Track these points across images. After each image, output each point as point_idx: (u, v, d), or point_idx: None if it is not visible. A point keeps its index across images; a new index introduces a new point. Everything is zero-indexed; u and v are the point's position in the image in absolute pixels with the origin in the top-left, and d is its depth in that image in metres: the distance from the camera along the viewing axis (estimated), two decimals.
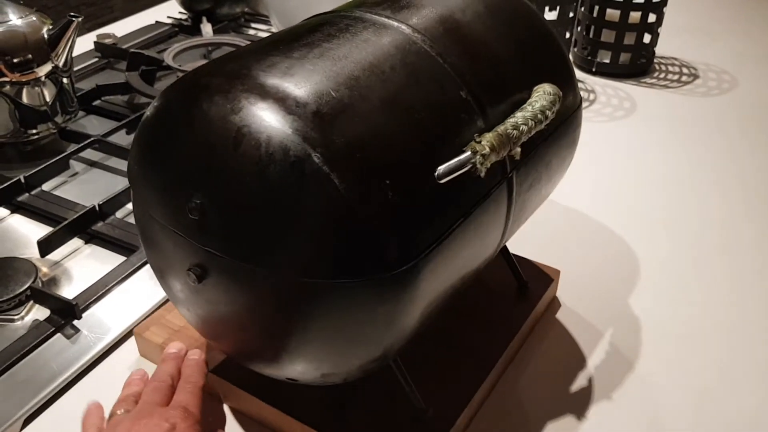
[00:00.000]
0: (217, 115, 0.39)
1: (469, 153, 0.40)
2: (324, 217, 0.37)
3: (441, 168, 0.40)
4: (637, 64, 1.04)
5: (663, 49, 1.11)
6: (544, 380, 0.56)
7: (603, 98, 0.99)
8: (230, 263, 0.40)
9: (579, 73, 1.06)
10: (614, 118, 0.94)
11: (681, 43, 1.15)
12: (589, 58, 1.05)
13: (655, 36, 1.03)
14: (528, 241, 0.67)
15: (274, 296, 0.40)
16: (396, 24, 0.46)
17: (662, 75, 1.06)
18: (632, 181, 0.81)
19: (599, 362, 0.58)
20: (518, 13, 0.52)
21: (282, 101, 0.38)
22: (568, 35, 0.98)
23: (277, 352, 0.43)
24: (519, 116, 0.42)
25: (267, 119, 0.38)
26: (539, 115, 0.43)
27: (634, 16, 0.99)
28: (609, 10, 1.00)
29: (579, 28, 1.05)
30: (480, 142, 0.40)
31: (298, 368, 0.44)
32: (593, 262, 0.69)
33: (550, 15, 0.94)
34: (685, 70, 1.07)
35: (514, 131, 0.41)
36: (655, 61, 1.09)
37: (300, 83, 0.39)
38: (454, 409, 0.50)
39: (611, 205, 0.77)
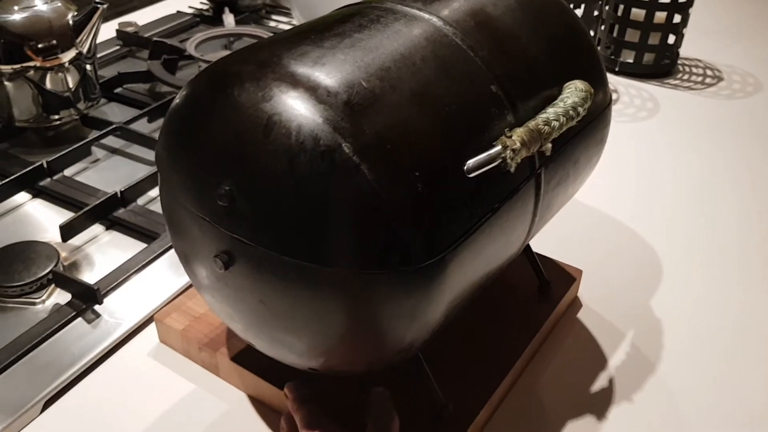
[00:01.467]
0: (248, 102, 0.39)
1: (499, 148, 0.39)
2: (352, 207, 0.37)
3: (471, 162, 0.39)
4: (660, 65, 1.03)
5: (687, 50, 1.10)
6: (564, 380, 0.56)
7: (626, 98, 0.98)
8: (257, 251, 0.40)
9: None
10: (637, 119, 0.93)
11: (705, 44, 1.14)
12: (613, 57, 1.04)
13: (680, 37, 1.02)
14: (550, 239, 0.67)
15: (300, 286, 0.40)
16: (427, 16, 0.45)
17: (686, 76, 1.05)
18: (654, 182, 0.81)
19: (620, 363, 0.57)
20: (549, 8, 0.51)
21: (313, 90, 0.38)
22: (592, 33, 0.98)
23: (299, 342, 0.43)
24: (551, 112, 0.42)
25: (298, 108, 0.37)
26: (571, 111, 0.42)
27: (660, 16, 0.98)
28: (634, 10, 0.99)
29: (603, 27, 1.04)
30: (511, 137, 0.40)
31: (321, 359, 0.44)
32: (614, 261, 0.68)
33: (577, 12, 0.94)
34: (708, 72, 1.06)
35: (546, 127, 0.41)
36: (678, 62, 1.08)
37: (331, 73, 0.39)
38: (474, 406, 0.50)
39: (632, 205, 0.76)
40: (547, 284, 0.60)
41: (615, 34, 1.03)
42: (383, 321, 0.40)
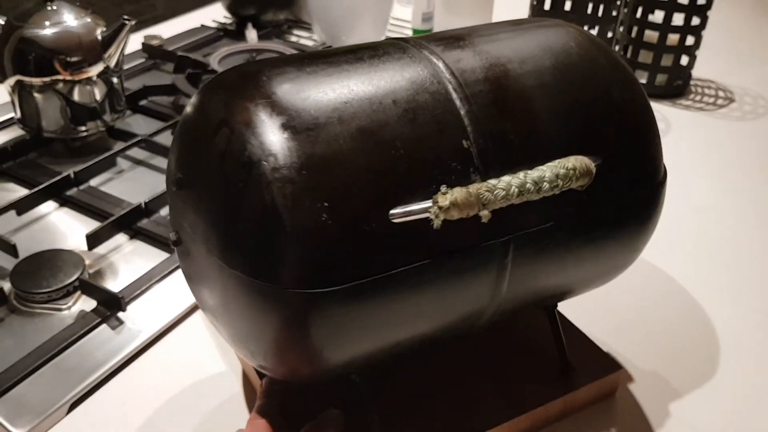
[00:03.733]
0: (216, 105, 0.43)
1: (429, 202, 0.39)
2: (256, 219, 0.39)
3: (398, 209, 0.39)
4: (673, 86, 1.05)
5: (700, 71, 1.12)
6: None
7: None
8: (194, 239, 0.44)
9: None
10: None
11: (718, 65, 1.16)
12: None
13: (692, 59, 1.04)
14: None
15: (216, 279, 0.43)
16: (434, 60, 0.45)
17: (698, 97, 1.06)
18: (671, 211, 0.82)
19: None
20: (597, 79, 0.47)
21: (264, 106, 0.40)
22: None
23: (233, 342, 0.47)
24: (506, 179, 0.40)
25: (242, 118, 0.40)
26: (529, 185, 0.40)
27: (672, 38, 1.00)
28: (647, 32, 1.01)
29: (617, 47, 1.06)
30: (445, 194, 0.39)
31: (255, 359, 0.46)
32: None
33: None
34: (720, 93, 1.08)
35: (487, 193, 0.40)
36: (691, 83, 1.09)
37: (289, 94, 0.41)
38: None
39: None
40: (569, 369, 0.56)
41: (629, 55, 1.04)
42: (280, 333, 0.41)
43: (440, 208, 0.39)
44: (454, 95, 0.44)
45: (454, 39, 0.48)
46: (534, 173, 0.41)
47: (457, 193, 0.39)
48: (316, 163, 0.39)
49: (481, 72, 0.45)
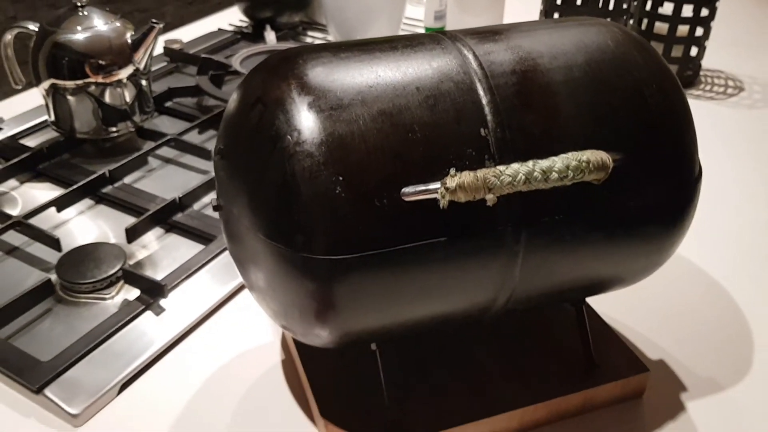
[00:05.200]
0: (254, 84, 0.46)
1: (438, 184, 0.41)
2: (277, 187, 0.43)
3: (408, 188, 0.42)
4: (683, 76, 1.07)
5: (710, 61, 1.14)
6: None
7: None
8: (230, 208, 0.48)
9: None
10: None
11: (727, 56, 1.18)
12: None
13: (702, 49, 1.06)
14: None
15: (247, 242, 0.46)
16: (465, 51, 0.47)
17: (708, 87, 1.09)
18: None
19: None
20: (628, 75, 0.48)
21: (294, 86, 0.44)
22: None
23: (259, 299, 0.50)
24: (515, 166, 0.42)
25: (274, 96, 0.44)
26: (537, 174, 0.42)
27: (682, 29, 1.02)
28: (657, 24, 1.03)
29: None
30: (453, 176, 0.41)
31: (277, 319, 0.49)
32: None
33: None
34: (730, 83, 1.10)
35: (494, 178, 0.41)
36: (701, 73, 1.12)
37: (319, 76, 0.45)
38: (418, 425, 0.52)
39: None
40: (593, 366, 0.56)
41: None
42: (295, 294, 0.45)
43: (447, 189, 0.41)
44: (479, 85, 0.46)
45: (490, 33, 0.50)
46: (544, 162, 0.42)
47: (465, 176, 0.41)
48: (335, 140, 0.42)
49: (510, 65, 0.47)
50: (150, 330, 0.62)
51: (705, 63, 1.13)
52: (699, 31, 1.04)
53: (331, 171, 0.42)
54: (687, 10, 1.01)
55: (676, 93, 0.49)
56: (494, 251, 0.46)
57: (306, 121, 0.43)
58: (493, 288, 0.48)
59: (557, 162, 0.42)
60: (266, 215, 0.44)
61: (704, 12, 1.02)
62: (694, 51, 1.07)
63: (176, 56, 1.13)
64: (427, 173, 0.43)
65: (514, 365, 0.57)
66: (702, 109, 1.02)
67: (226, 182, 0.47)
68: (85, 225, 0.77)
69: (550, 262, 0.48)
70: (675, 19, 1.01)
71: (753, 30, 1.31)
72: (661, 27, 1.03)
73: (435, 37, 0.49)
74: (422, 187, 0.42)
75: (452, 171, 0.42)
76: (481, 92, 0.46)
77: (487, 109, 0.45)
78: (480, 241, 0.45)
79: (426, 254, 0.44)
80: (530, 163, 0.42)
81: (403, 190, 0.43)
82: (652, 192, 0.48)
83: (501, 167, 0.42)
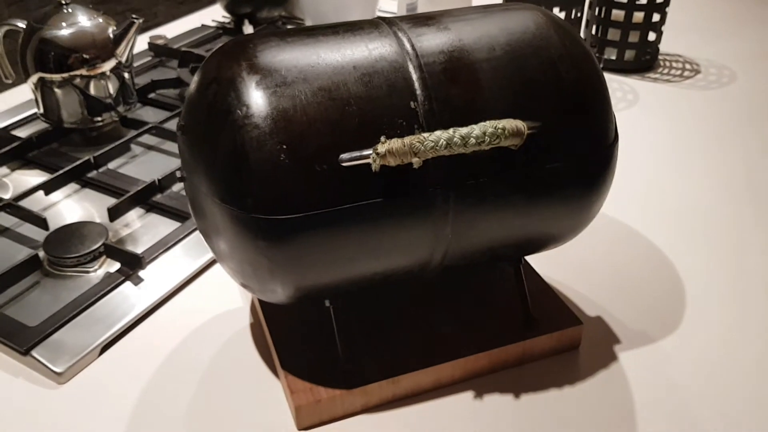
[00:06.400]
0: (210, 66, 0.52)
1: (371, 150, 0.47)
2: (229, 156, 0.48)
3: (345, 154, 0.48)
4: (641, 61, 1.12)
5: (669, 46, 1.20)
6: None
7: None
8: (191, 178, 0.53)
9: None
10: (617, 110, 1.03)
11: (687, 41, 1.24)
12: (597, 55, 1.14)
13: (659, 34, 1.12)
14: None
15: (207, 210, 0.52)
16: (401, 35, 0.53)
17: (666, 70, 1.14)
18: (637, 172, 0.90)
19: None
20: (544, 52, 0.53)
21: (244, 67, 0.49)
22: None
23: (220, 260, 0.55)
24: (437, 133, 0.47)
25: (227, 75, 0.50)
26: (457, 139, 0.47)
27: (638, 16, 1.08)
28: (614, 11, 1.09)
29: (590, 27, 1.14)
30: (383, 143, 0.47)
31: (236, 277, 0.55)
32: (596, 245, 0.78)
33: (560, 15, 1.04)
34: (687, 66, 1.15)
35: (418, 144, 0.47)
36: (660, 57, 1.17)
37: (267, 58, 0.50)
38: (373, 376, 0.57)
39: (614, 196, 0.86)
40: (531, 320, 0.62)
41: (599, 34, 1.12)
42: (247, 252, 0.50)
43: (378, 154, 0.47)
44: (410, 64, 0.51)
45: (424, 18, 0.56)
46: (464, 129, 0.47)
47: (394, 142, 0.47)
48: (279, 113, 0.48)
49: (438, 46, 0.53)
50: (129, 298, 0.68)
51: (665, 48, 1.18)
52: (655, 17, 1.09)
53: (275, 140, 0.47)
54: None
55: (590, 67, 0.54)
56: (426, 211, 0.51)
57: (254, 97, 0.48)
58: (428, 245, 0.53)
59: (475, 129, 0.48)
60: (220, 181, 0.49)
61: None
62: (652, 36, 1.12)
63: (160, 51, 1.19)
64: (362, 141, 0.49)
65: (459, 320, 0.63)
66: (658, 91, 1.08)
67: (187, 155, 0.53)
68: (71, 207, 0.82)
69: (478, 221, 0.53)
70: (630, 6, 1.07)
71: (714, 15, 1.36)
72: (618, 14, 1.09)
73: (374, 23, 0.55)
74: (357, 153, 0.48)
75: (383, 138, 0.48)
76: (411, 70, 0.51)
77: (416, 85, 0.51)
78: (412, 201, 0.50)
79: (364, 214, 0.49)
80: (451, 130, 0.48)
81: (340, 156, 0.48)
82: (568, 156, 0.53)
83: (425, 134, 0.48)
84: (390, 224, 0.50)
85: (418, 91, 0.51)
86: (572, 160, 0.53)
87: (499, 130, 0.48)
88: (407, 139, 0.47)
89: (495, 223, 0.54)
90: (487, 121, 0.49)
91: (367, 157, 0.47)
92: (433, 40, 0.53)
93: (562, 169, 0.53)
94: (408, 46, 0.52)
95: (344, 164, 0.48)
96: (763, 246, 0.76)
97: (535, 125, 0.51)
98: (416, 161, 0.47)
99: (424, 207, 0.51)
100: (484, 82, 0.52)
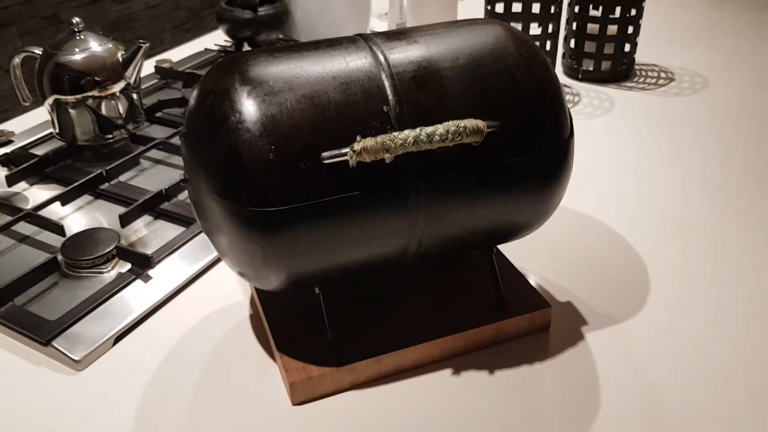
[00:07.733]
0: (207, 80, 0.59)
1: (348, 148, 0.53)
2: (225, 156, 0.55)
3: (326, 153, 0.54)
4: (617, 71, 1.19)
5: (645, 56, 1.26)
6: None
7: (586, 100, 1.14)
8: (194, 180, 0.59)
9: (567, 80, 1.22)
10: (593, 116, 1.09)
11: (662, 50, 1.30)
12: (576, 66, 1.21)
13: (634, 45, 1.19)
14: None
15: (207, 206, 0.58)
16: (375, 48, 0.60)
17: (641, 79, 1.21)
18: (607, 171, 0.96)
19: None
20: (502, 61, 0.60)
21: (237, 79, 0.56)
22: (557, 47, 1.14)
23: (219, 252, 0.62)
24: (406, 132, 0.54)
25: (222, 87, 0.56)
26: (423, 137, 0.53)
27: (612, 29, 1.15)
28: (590, 25, 1.16)
29: (567, 41, 1.21)
30: (359, 142, 0.53)
31: (234, 267, 0.61)
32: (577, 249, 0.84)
33: (537, 30, 1.11)
34: (662, 75, 1.22)
35: (389, 142, 0.53)
36: (636, 67, 1.24)
37: (257, 71, 0.57)
38: (354, 356, 0.63)
39: (585, 192, 0.92)
40: (503, 303, 0.68)
41: (575, 47, 1.19)
42: (243, 242, 0.56)
43: (354, 151, 0.53)
44: (383, 73, 0.58)
45: (397, 34, 0.63)
46: (429, 129, 0.54)
47: (367, 141, 0.53)
48: (268, 118, 0.55)
49: (408, 57, 0.60)
50: (140, 294, 0.75)
51: (641, 58, 1.25)
52: (630, 29, 1.16)
53: (265, 142, 0.54)
54: (617, 12, 1.14)
55: (544, 73, 0.61)
56: (400, 203, 0.58)
57: (245, 105, 0.55)
58: (404, 233, 0.60)
59: (440, 128, 0.55)
60: (218, 179, 0.56)
61: (633, 12, 1.15)
62: (628, 47, 1.19)
63: (165, 74, 1.26)
64: (341, 141, 0.55)
65: (437, 304, 0.69)
66: (633, 98, 1.14)
67: (188, 158, 0.60)
68: (85, 216, 0.89)
69: (448, 211, 0.60)
70: (604, 19, 1.14)
71: (687, 26, 1.43)
72: (593, 27, 1.16)
73: (352, 39, 0.62)
74: (336, 152, 0.54)
75: (359, 138, 0.54)
76: (384, 78, 0.58)
77: (389, 91, 0.58)
78: (387, 194, 0.57)
79: (345, 205, 0.56)
80: (418, 129, 0.55)
81: (322, 154, 0.55)
82: (526, 152, 0.60)
83: (396, 133, 0.54)
84: (369, 214, 0.57)
85: (390, 97, 0.57)
86: (530, 155, 0.60)
87: (461, 128, 0.55)
88: (379, 138, 0.54)
89: (464, 213, 0.60)
90: (451, 121, 0.55)
91: (345, 154, 0.54)
92: (403, 52, 0.60)
93: (522, 163, 0.60)
94: (381, 57, 0.59)
95: (325, 161, 0.55)
96: (717, 233, 0.82)
97: (494, 124, 0.57)
98: (388, 157, 0.54)
99: (399, 199, 0.57)
100: (449, 88, 0.58)
